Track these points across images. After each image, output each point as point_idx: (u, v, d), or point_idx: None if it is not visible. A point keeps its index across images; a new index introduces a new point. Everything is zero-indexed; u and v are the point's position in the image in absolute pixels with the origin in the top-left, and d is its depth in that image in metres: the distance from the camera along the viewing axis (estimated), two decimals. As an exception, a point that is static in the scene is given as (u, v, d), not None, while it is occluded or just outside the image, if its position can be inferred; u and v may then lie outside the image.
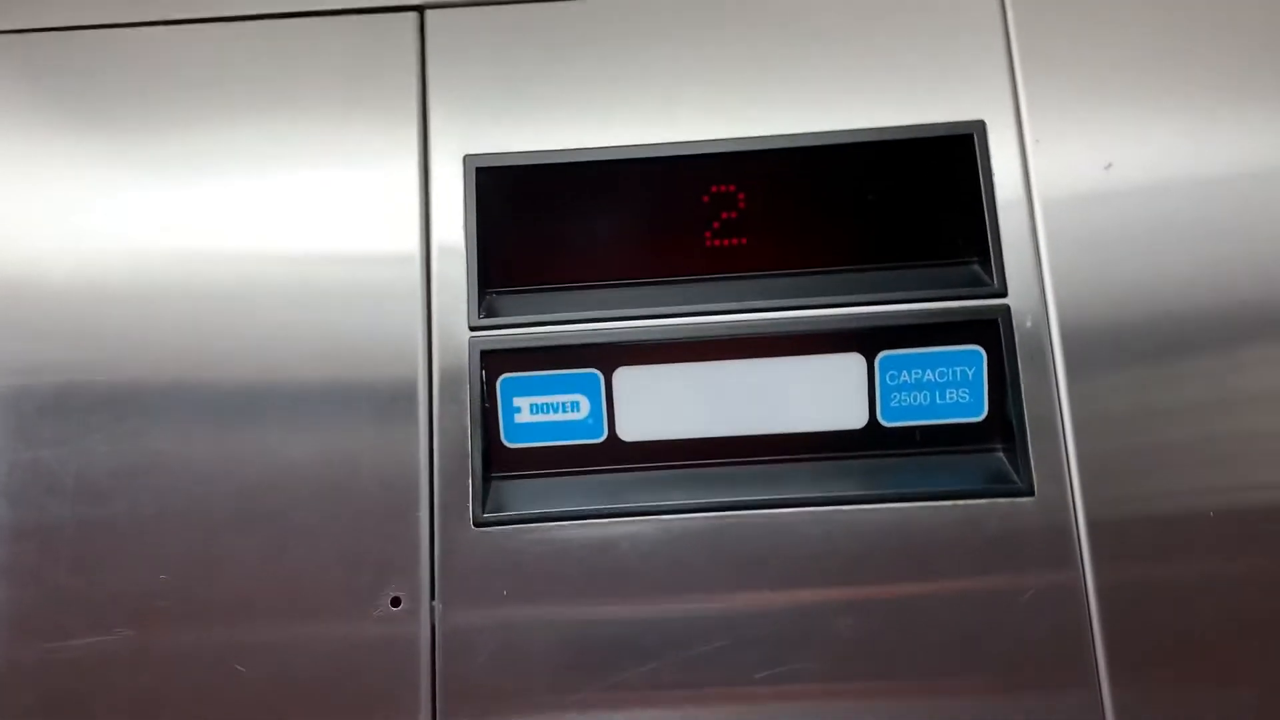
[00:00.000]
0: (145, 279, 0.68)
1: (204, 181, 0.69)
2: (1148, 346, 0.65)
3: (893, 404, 0.66)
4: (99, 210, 0.69)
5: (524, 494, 0.66)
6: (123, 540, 0.65)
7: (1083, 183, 0.67)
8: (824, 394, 0.67)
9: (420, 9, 0.72)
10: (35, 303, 0.67)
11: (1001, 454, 0.66)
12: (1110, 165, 0.67)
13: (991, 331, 0.66)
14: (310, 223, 0.68)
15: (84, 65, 0.72)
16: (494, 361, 0.66)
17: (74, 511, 0.65)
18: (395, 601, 0.63)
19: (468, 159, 0.69)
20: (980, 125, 0.68)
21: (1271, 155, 0.67)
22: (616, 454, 0.67)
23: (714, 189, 0.69)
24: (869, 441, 0.67)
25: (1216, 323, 0.65)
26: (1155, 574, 0.63)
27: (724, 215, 0.69)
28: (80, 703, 0.63)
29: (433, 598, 0.63)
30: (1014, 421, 0.65)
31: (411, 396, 0.65)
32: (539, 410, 0.67)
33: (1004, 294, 0.66)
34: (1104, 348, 0.65)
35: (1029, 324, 0.65)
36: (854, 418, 0.67)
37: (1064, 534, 0.63)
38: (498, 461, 0.66)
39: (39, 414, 0.66)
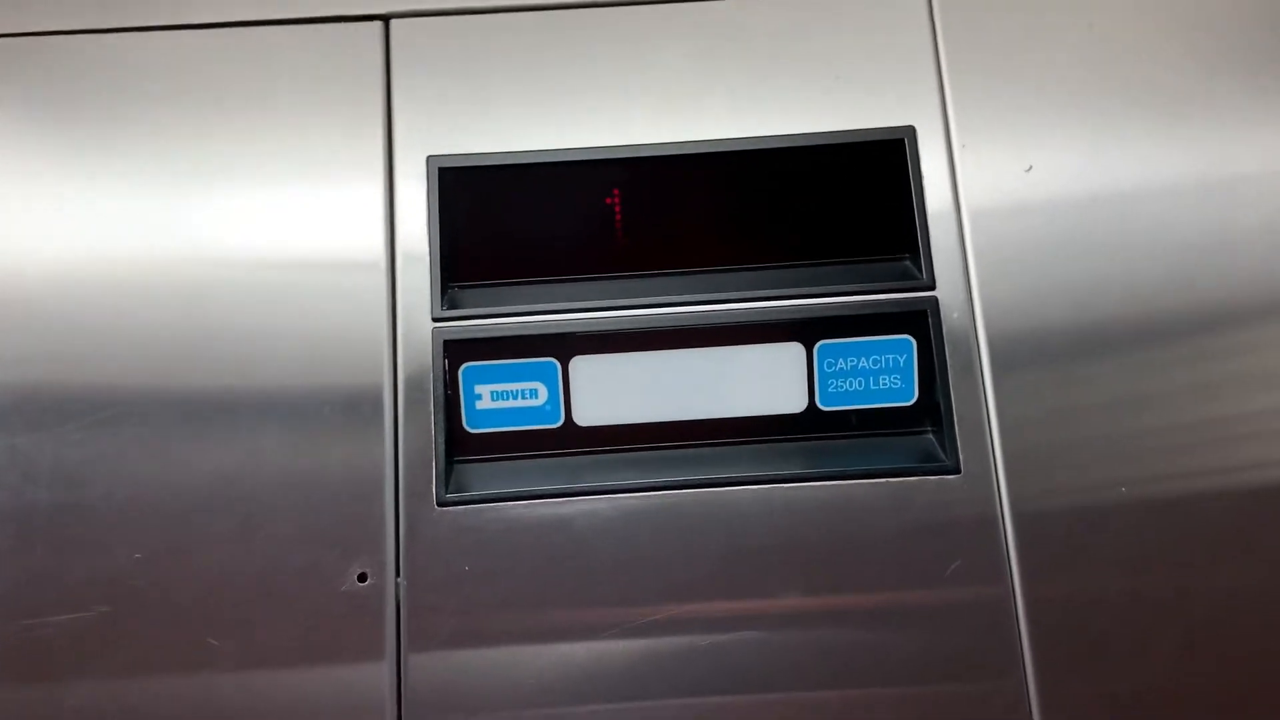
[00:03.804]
0: (117, 280, 0.71)
1: (173, 187, 0.72)
2: (1066, 338, 0.70)
3: (830, 389, 0.71)
4: (71, 213, 0.72)
5: (485, 476, 0.70)
6: (98, 523, 0.67)
7: (1006, 185, 0.73)
8: (766, 381, 0.71)
9: (386, 18, 0.75)
10: (13, 301, 0.70)
11: (931, 436, 0.71)
12: (1031, 168, 0.72)
13: (921, 322, 0.71)
14: (279, 225, 0.71)
15: (56, 71, 0.74)
16: (456, 351, 0.70)
17: (50, 496, 0.68)
18: (362, 577, 0.67)
19: (431, 160, 0.73)
20: (910, 130, 0.73)
21: (1183, 167, 0.73)
22: (573, 438, 0.71)
23: (665, 190, 0.73)
24: (808, 425, 0.71)
25: (1129, 321, 0.70)
26: (1074, 547, 0.68)
27: (673, 214, 0.74)
28: (58, 677, 0.66)
29: (398, 574, 0.67)
30: (942, 405, 0.70)
31: (378, 386, 0.69)
32: (499, 397, 0.70)
33: (932, 287, 0.71)
34: (1025, 338, 0.70)
35: (955, 315, 0.70)
36: (794, 403, 0.71)
37: (988, 509, 0.68)
38: (460, 446, 0.70)
39: (15, 406, 0.69)
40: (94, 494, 0.68)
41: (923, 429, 0.71)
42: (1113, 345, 0.70)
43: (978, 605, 0.67)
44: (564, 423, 0.71)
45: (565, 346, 0.71)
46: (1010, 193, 0.72)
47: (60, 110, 0.74)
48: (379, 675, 0.66)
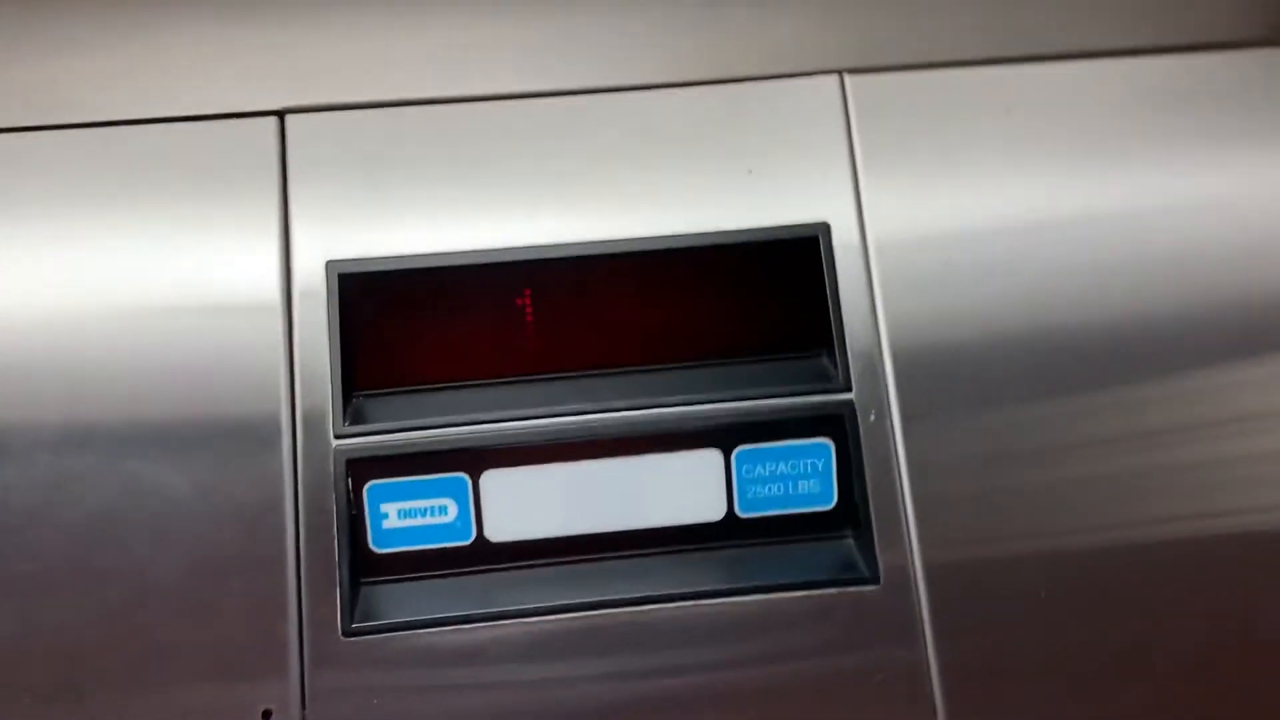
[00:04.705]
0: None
1: (65, 283, 0.68)
2: (984, 435, 0.70)
3: (749, 496, 0.70)
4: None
5: (394, 600, 0.67)
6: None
7: (922, 280, 0.72)
8: (684, 489, 0.70)
9: (280, 114, 0.72)
10: None
11: (851, 540, 0.70)
12: (947, 263, 0.72)
13: (838, 425, 0.70)
14: (174, 340, 0.67)
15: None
16: (359, 469, 0.67)
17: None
18: (266, 715, 0.63)
19: (330, 265, 0.69)
20: (825, 227, 0.72)
21: (1100, 249, 0.73)
22: (485, 555, 0.69)
23: (573, 291, 0.71)
24: (727, 533, 0.70)
25: (1047, 418, 0.70)
26: (994, 647, 0.68)
27: (587, 315, 0.72)
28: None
29: (303, 709, 0.64)
30: (860, 511, 0.69)
31: (279, 508, 0.66)
32: (406, 515, 0.68)
33: (849, 389, 0.70)
34: (943, 436, 0.70)
35: (872, 418, 0.70)
36: (713, 511, 0.70)
37: (909, 617, 0.67)
38: (366, 567, 0.67)
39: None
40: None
41: (843, 534, 0.70)
42: (1035, 435, 0.70)
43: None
44: (475, 539, 0.68)
45: (476, 461, 0.68)
46: (927, 287, 0.72)
47: None
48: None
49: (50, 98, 0.73)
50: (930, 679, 0.67)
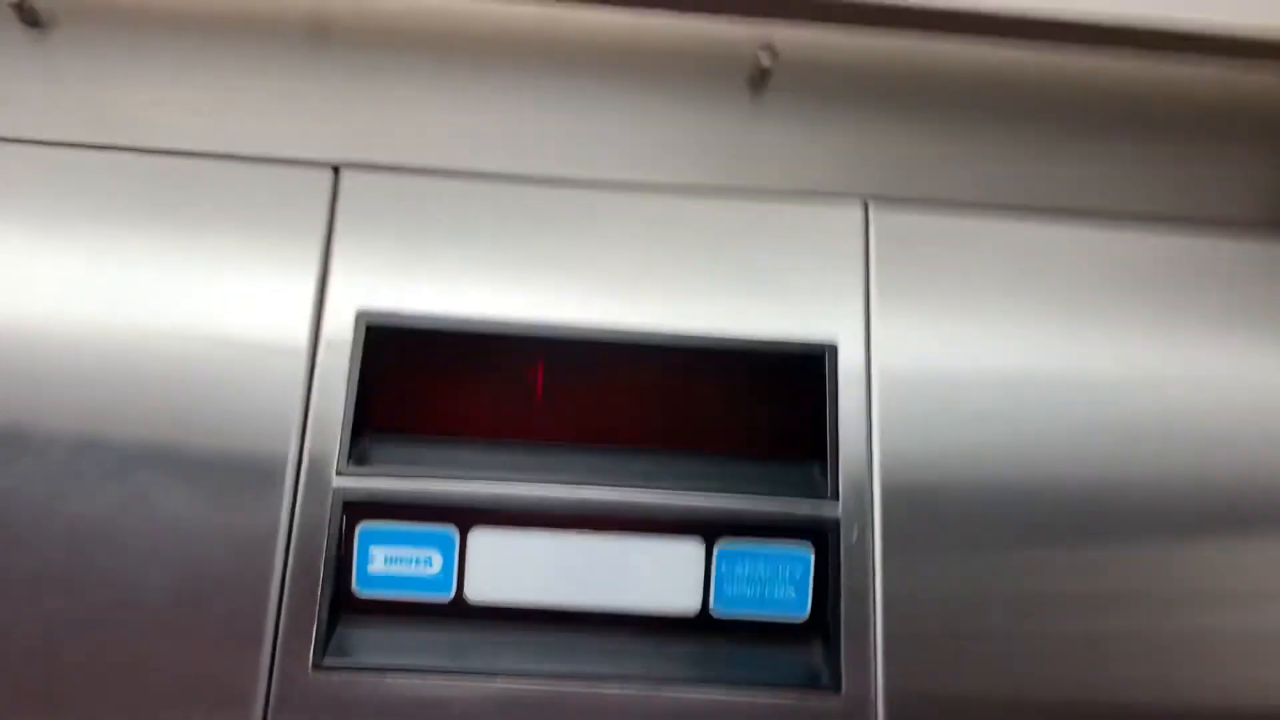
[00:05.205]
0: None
1: (116, 297, 0.72)
2: (960, 574, 0.72)
3: (725, 594, 0.71)
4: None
5: (367, 642, 0.68)
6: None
7: (920, 408, 0.75)
8: (663, 577, 0.71)
9: (337, 167, 0.76)
10: None
11: (820, 649, 0.71)
12: (945, 401, 0.74)
13: (821, 535, 0.72)
14: (198, 362, 0.71)
15: (43, 178, 0.74)
16: (354, 510, 0.69)
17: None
18: (224, 737, 0.65)
19: (360, 315, 0.73)
20: (833, 347, 0.75)
21: (1097, 407, 0.75)
22: (461, 613, 0.70)
23: (584, 369, 0.75)
24: (700, 629, 0.71)
25: (1022, 568, 0.72)
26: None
27: (593, 394, 0.75)
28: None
29: (263, 737, 0.65)
30: (831, 625, 0.70)
31: (272, 535, 0.68)
32: (392, 562, 0.70)
33: (836, 501, 0.72)
34: (921, 568, 0.72)
35: (854, 536, 0.72)
36: (688, 603, 0.71)
37: (865, 731, 0.69)
38: (346, 607, 0.69)
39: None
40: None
41: (812, 642, 0.71)
42: (1009, 582, 0.72)
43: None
44: (455, 596, 0.70)
45: (466, 516, 0.70)
46: (923, 420, 0.74)
47: (47, 211, 0.73)
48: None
49: (124, 120, 0.78)
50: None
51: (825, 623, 0.71)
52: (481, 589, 0.70)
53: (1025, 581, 0.72)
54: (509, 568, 0.70)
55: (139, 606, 0.67)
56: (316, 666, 0.66)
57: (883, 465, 0.73)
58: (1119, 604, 0.72)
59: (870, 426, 0.74)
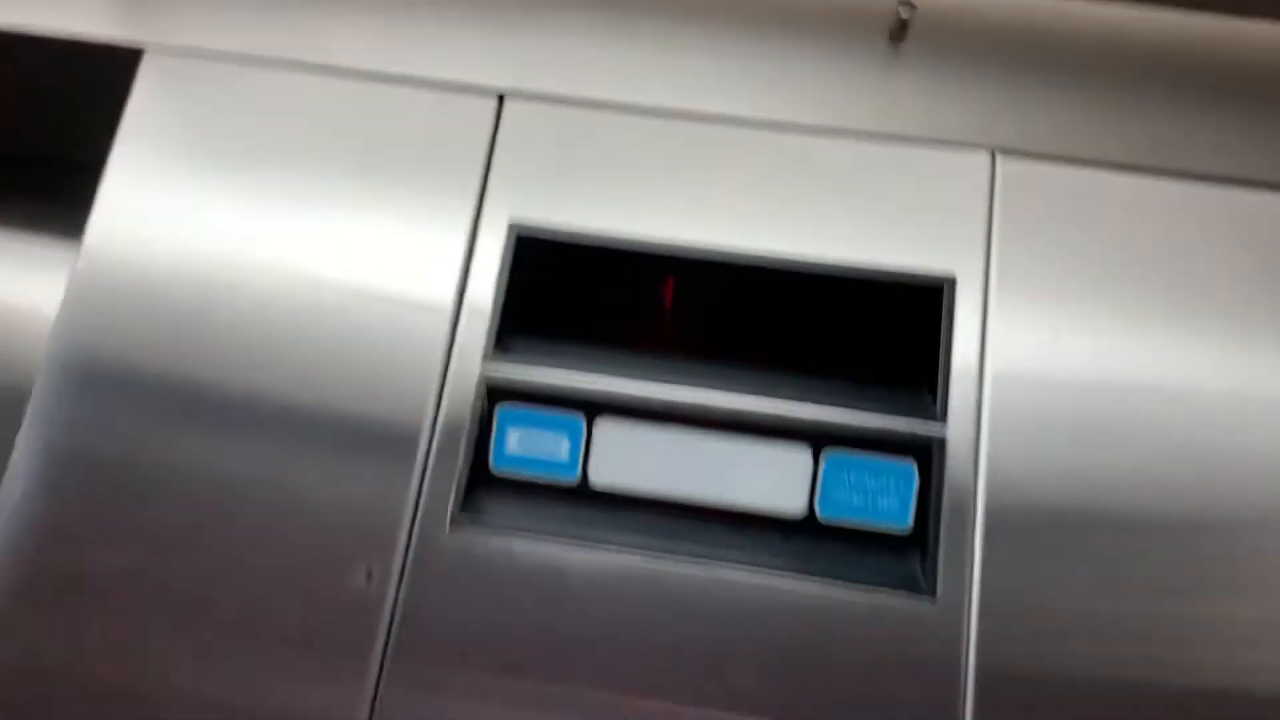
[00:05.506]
0: (232, 287, 0.80)
1: (282, 211, 0.82)
2: (1060, 507, 0.74)
3: (831, 499, 0.76)
4: (192, 223, 0.82)
5: (499, 511, 0.75)
6: (156, 485, 0.75)
7: (1030, 351, 0.78)
8: (773, 478, 0.76)
9: (501, 95, 0.85)
10: (140, 292, 0.80)
11: (918, 559, 0.75)
12: (1058, 334, 0.77)
13: (927, 454, 0.75)
14: (369, 259, 0.80)
15: (211, 93, 0.85)
16: (495, 394, 0.77)
17: (126, 447, 0.76)
18: (369, 576, 0.72)
19: (511, 226, 0.81)
20: (952, 280, 0.79)
21: (1202, 372, 0.77)
22: (585, 495, 0.76)
23: (715, 287, 0.80)
24: (804, 529, 0.76)
25: (1122, 508, 0.74)
26: (1029, 696, 0.71)
27: (718, 310, 0.81)
28: (96, 605, 0.73)
29: (400, 579, 0.72)
30: (931, 536, 0.74)
31: (423, 412, 0.76)
32: (526, 443, 0.77)
33: (944, 424, 0.76)
34: (1024, 491, 0.74)
35: (961, 454, 0.75)
36: (795, 506, 0.76)
37: (955, 641, 0.71)
38: (482, 481, 0.76)
39: (122, 375, 0.78)
40: (154, 456, 0.76)
41: (911, 551, 0.75)
42: (1102, 527, 0.74)
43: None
44: (580, 480, 0.76)
45: (594, 408, 0.77)
46: (1033, 359, 0.77)
47: (210, 130, 0.84)
48: (363, 671, 0.71)
49: (309, 40, 0.87)
50: (963, 703, 0.70)
51: (925, 535, 0.74)
52: (604, 475, 0.76)
53: (1125, 509, 0.74)
54: (630, 458, 0.76)
55: (303, 471, 0.75)
56: (453, 525, 0.73)
57: (992, 394, 0.76)
58: (1219, 533, 0.73)
59: (983, 357, 0.77)
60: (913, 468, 0.76)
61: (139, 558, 0.74)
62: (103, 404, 0.77)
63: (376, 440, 0.75)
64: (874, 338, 0.80)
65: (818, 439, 0.76)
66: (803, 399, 0.76)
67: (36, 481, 0.76)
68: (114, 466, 0.76)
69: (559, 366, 0.77)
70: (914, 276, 0.79)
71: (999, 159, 0.82)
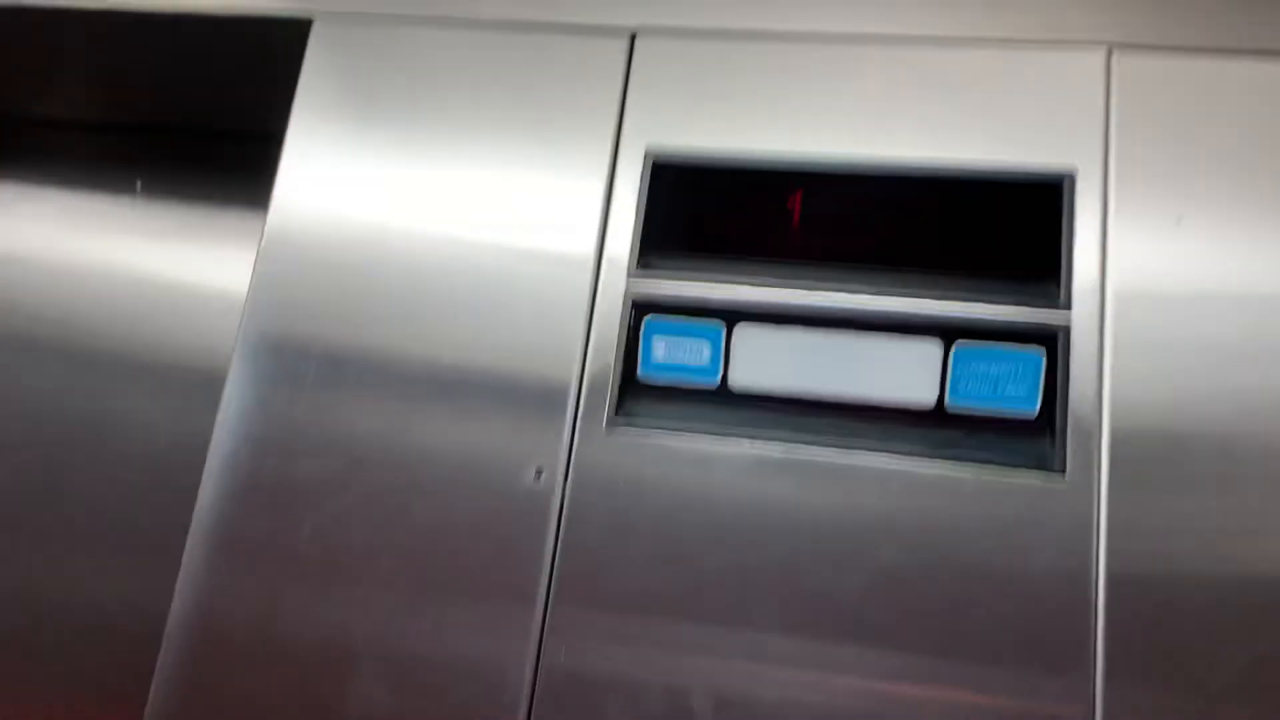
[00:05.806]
0: (385, 249, 0.90)
1: (432, 163, 0.91)
2: (1188, 381, 0.77)
3: (961, 389, 0.80)
4: (351, 181, 0.92)
5: (649, 413, 0.83)
6: (347, 401, 0.86)
7: (1152, 241, 0.80)
8: (904, 372, 0.81)
9: (633, 33, 0.91)
10: (319, 257, 0.91)
11: (1047, 441, 0.79)
12: (1180, 220, 0.80)
13: (1053, 340, 0.79)
14: (517, 199, 0.88)
15: (375, 57, 0.95)
16: (641, 307, 0.84)
17: (315, 372, 0.87)
18: (538, 474, 0.81)
19: (648, 154, 0.88)
20: (1071, 175, 0.82)
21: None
22: (725, 396, 0.83)
23: (841, 197, 0.86)
24: (936, 417, 0.81)
25: (1250, 367, 0.76)
26: (1160, 571, 0.74)
27: (845, 218, 0.86)
28: (291, 515, 0.84)
29: (566, 475, 0.81)
30: (1060, 418, 0.78)
31: (577, 325, 0.84)
32: (671, 351, 0.84)
33: (1068, 310, 0.79)
34: (1150, 372, 0.77)
35: (1086, 340, 0.78)
36: (926, 397, 0.81)
37: (1086, 518, 0.75)
38: (632, 387, 0.84)
39: (321, 310, 0.89)
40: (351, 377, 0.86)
41: (1040, 438, 0.79)
42: (1233, 393, 0.76)
43: (1057, 611, 0.74)
44: (720, 384, 0.83)
45: (732, 315, 0.83)
46: (1155, 255, 0.80)
47: (370, 89, 0.94)
48: (540, 552, 0.80)
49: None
50: (1095, 583, 0.74)
51: (1054, 419, 0.78)
52: (743, 377, 0.83)
53: (1249, 389, 0.76)
54: (767, 360, 0.83)
55: (464, 385, 0.84)
56: (609, 427, 0.81)
57: (1114, 280, 0.79)
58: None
59: (1104, 247, 0.80)
60: (1040, 355, 0.79)
61: (335, 464, 0.84)
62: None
63: (542, 360, 0.84)
64: (997, 235, 0.84)
65: (947, 332, 0.81)
66: (930, 295, 0.81)
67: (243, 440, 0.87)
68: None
69: (698, 279, 0.84)
70: (1034, 174, 0.83)
71: (1114, 53, 0.84)
